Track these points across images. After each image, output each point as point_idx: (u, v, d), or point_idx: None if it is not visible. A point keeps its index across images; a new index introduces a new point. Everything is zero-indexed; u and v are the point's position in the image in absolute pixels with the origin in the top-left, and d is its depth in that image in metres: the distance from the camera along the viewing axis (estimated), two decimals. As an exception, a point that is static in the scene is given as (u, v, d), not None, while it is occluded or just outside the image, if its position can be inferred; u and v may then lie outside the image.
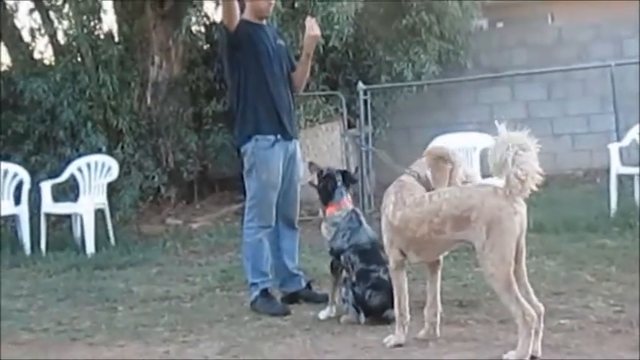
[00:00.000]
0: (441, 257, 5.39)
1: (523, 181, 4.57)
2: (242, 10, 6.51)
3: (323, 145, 11.56)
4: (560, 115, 13.05)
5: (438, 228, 4.90)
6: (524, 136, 4.64)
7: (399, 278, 5.22)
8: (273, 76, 6.47)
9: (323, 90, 12.27)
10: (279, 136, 6.44)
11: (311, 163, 6.48)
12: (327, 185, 6.27)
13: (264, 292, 6.47)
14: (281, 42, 6.71)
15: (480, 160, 9.62)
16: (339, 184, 6.26)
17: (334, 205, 6.22)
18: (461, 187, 5.08)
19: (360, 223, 6.17)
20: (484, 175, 9.49)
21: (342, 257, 6.08)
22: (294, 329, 5.89)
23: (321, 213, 6.47)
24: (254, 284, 6.50)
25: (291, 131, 6.56)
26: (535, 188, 4.62)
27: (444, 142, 9.78)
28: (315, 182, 6.33)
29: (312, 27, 6.53)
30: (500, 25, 16.06)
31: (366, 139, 11.25)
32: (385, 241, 5.22)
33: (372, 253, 6.03)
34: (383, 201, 5.24)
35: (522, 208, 4.74)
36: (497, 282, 4.72)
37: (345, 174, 6.42)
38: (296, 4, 11.52)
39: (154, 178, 12.05)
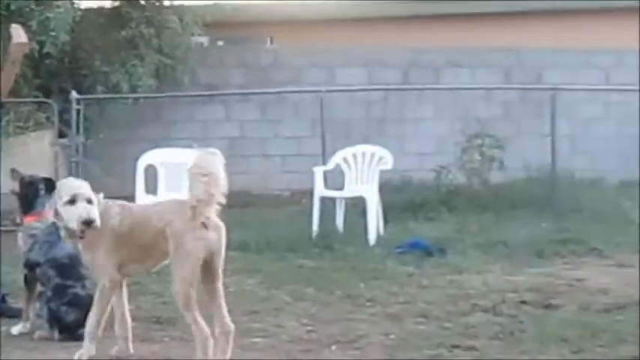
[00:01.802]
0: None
1: (195, 206, 4.69)
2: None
3: (32, 154, 11.17)
4: (272, 136, 13.35)
5: (156, 237, 4.94)
6: (210, 160, 4.73)
7: (109, 298, 5.16)
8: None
9: (36, 97, 11.89)
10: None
11: (13, 170, 6.22)
12: (29, 193, 6.05)
13: (-49, 306, 6.18)
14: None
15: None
16: (42, 192, 6.05)
17: (34, 215, 6.01)
18: (169, 200, 5.20)
19: (60, 237, 6.00)
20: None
21: (37, 271, 5.89)
22: (-18, 345, 5.65)
23: (19, 221, 6.23)
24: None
25: None
26: (210, 214, 4.79)
27: (156, 156, 9.76)
28: (17, 190, 6.10)
29: (19, 34, 6.32)
30: (220, 43, 16.24)
31: (77, 149, 10.99)
32: (100, 260, 5.10)
33: (70, 268, 5.88)
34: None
35: (211, 232, 4.84)
36: (179, 300, 4.83)
37: (49, 182, 6.20)
38: (12, 7, 11.11)
39: None
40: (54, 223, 6.01)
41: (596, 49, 14.05)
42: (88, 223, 4.88)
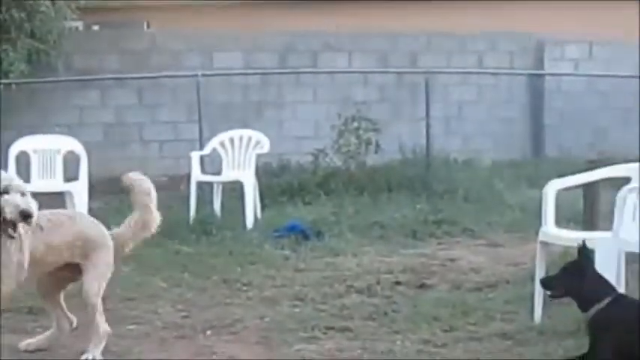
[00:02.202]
0: None
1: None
2: None
3: None
4: (149, 121, 13.19)
5: None
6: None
7: None
8: None
9: None
10: None
11: None
12: None
13: None
14: None
15: (63, 163, 9.51)
16: None
17: None
18: None
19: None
20: (67, 179, 9.47)
21: None
22: None
23: None
24: None
25: None
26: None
27: (28, 143, 9.56)
28: None
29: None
30: (95, 27, 15.95)
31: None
32: None
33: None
34: None
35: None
36: None
37: None
38: None
39: None
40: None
41: (470, 34, 14.32)
42: (26, 215, 4.56)
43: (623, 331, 4.61)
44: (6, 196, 4.55)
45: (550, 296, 5.11)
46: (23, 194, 4.63)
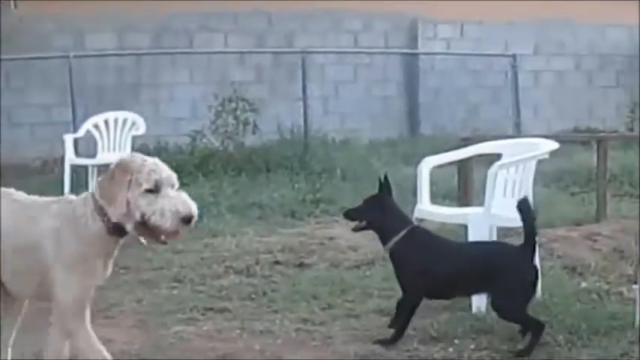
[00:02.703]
0: None
1: None
2: None
3: None
4: (20, 104, 12.84)
5: None
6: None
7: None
8: None
9: None
10: None
11: None
12: None
13: None
14: None
15: None
16: None
17: None
18: None
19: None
20: None
21: None
22: None
23: None
24: None
25: None
26: None
27: None
28: None
29: None
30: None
31: None
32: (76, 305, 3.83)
33: None
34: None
35: None
36: None
37: None
38: None
39: None
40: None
41: (346, 12, 14.41)
42: (188, 220, 3.64)
43: (420, 259, 4.95)
44: (154, 198, 3.64)
45: (353, 229, 5.28)
46: (173, 186, 3.71)
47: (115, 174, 3.68)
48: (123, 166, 3.69)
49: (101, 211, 3.70)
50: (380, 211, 5.06)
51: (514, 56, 13.85)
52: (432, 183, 6.06)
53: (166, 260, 7.03)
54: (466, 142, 7.27)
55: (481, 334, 5.06)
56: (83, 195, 3.88)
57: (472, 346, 4.90)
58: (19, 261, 3.79)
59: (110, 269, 3.93)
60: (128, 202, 3.63)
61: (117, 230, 3.71)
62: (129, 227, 3.68)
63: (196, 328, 5.31)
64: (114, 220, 3.67)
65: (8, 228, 3.78)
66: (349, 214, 5.26)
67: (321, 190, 9.72)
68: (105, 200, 3.68)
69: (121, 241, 3.81)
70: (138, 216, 3.63)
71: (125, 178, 3.65)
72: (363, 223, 5.12)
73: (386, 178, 5.13)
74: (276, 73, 13.96)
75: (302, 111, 11.94)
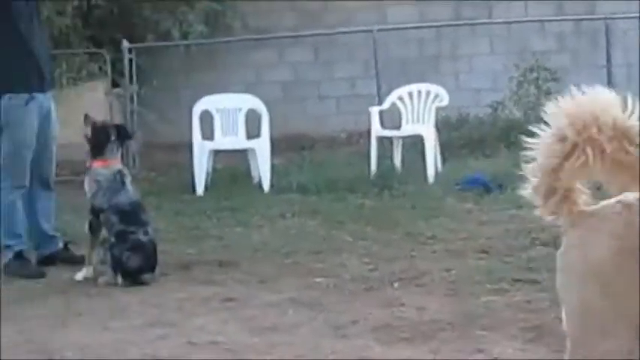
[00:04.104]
0: None
1: None
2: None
3: (87, 104, 11.21)
4: (326, 78, 13.26)
5: None
6: None
7: None
8: (27, 24, 6.20)
9: (87, 47, 11.93)
10: (33, 94, 6.21)
11: (86, 116, 6.28)
12: (99, 139, 6.11)
13: (19, 255, 6.27)
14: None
15: (245, 122, 9.71)
16: (113, 138, 6.14)
17: (102, 161, 6.09)
18: None
19: (124, 183, 6.10)
20: (249, 137, 9.67)
21: (101, 217, 5.98)
22: (49, 292, 5.76)
23: (88, 165, 6.26)
24: (8, 247, 6.29)
25: (45, 84, 6.35)
26: None
27: (211, 102, 9.80)
28: (89, 134, 6.15)
29: None
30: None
31: (132, 98, 11.09)
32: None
33: (132, 215, 5.99)
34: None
35: None
36: None
37: (120, 129, 6.36)
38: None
39: None
40: (120, 171, 6.10)
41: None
42: None
43: None
44: None
45: None
46: None
47: None
48: None
49: None
50: None
51: None
52: None
53: (472, 231, 7.03)
54: None
55: None
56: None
57: None
58: None
59: None
60: None
61: None
62: None
63: (506, 299, 5.26)
64: None
65: None
66: None
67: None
68: None
69: None
70: None
71: None
72: None
73: None
74: (578, 40, 13.52)
75: (606, 79, 11.51)
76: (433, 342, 4.50)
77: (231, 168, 9.87)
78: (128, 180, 6.16)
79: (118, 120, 11.12)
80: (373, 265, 6.07)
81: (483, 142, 10.63)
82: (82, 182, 6.33)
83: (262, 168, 9.16)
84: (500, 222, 7.32)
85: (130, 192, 6.08)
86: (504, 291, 5.42)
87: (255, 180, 9.29)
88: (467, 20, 13.05)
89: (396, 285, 5.58)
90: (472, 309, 5.08)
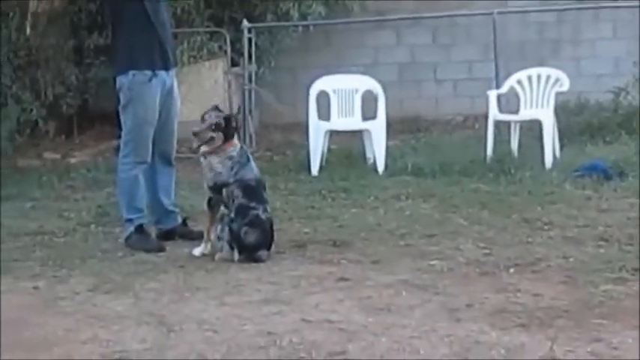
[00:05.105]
0: None
1: None
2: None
3: (206, 82, 11.41)
4: (444, 60, 13.16)
5: None
6: None
7: None
8: (153, 4, 6.32)
9: (207, 27, 12.10)
10: (156, 71, 6.33)
11: (216, 107, 6.38)
12: (230, 126, 6.18)
13: (139, 229, 6.41)
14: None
15: (361, 103, 9.72)
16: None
17: (230, 144, 6.17)
18: None
19: (249, 159, 6.20)
20: (365, 118, 9.67)
21: (224, 191, 6.03)
22: (167, 266, 5.89)
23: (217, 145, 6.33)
24: (129, 220, 6.44)
25: (168, 62, 6.46)
26: None
27: (327, 82, 9.84)
28: (222, 123, 6.19)
29: None
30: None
31: (250, 78, 11.22)
32: None
33: (255, 191, 6.06)
34: None
35: None
36: None
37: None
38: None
39: (31, 111, 11.73)
40: (242, 147, 6.21)
41: None
42: None
43: None
44: None
45: None
46: None
47: None
48: None
49: None
50: None
51: None
52: None
53: (591, 218, 6.88)
54: None
55: None
56: None
57: None
58: None
59: None
60: None
61: None
62: None
63: (626, 288, 5.13)
64: None
65: None
66: None
67: None
68: None
69: None
70: None
71: None
72: None
73: None
74: None
75: None
76: (550, 329, 4.43)
77: (346, 149, 9.88)
78: (252, 157, 6.28)
79: (235, 99, 11.31)
80: (488, 250, 6.01)
81: (603, 129, 10.40)
82: (198, 160, 6.39)
83: (377, 149, 9.16)
84: (620, 210, 7.17)
85: (255, 169, 6.17)
86: (624, 280, 5.30)
87: (370, 161, 9.30)
88: (590, 3, 12.75)
89: (511, 270, 5.51)
90: (590, 297, 4.97)
